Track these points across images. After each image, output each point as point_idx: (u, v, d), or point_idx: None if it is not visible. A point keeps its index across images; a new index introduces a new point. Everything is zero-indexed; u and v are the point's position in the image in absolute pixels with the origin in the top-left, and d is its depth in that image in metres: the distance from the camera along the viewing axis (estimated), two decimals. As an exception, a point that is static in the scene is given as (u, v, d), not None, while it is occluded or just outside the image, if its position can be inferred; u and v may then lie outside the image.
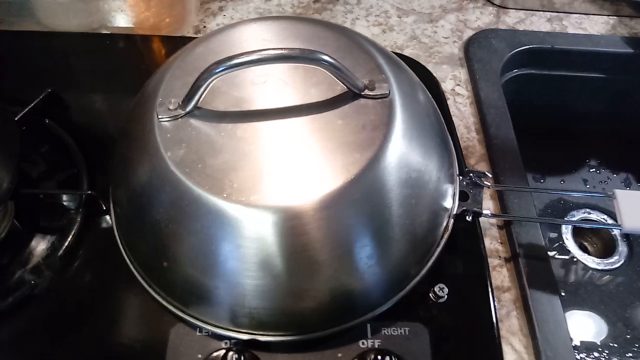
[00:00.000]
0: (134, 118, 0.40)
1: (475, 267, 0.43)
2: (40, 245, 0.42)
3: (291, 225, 0.34)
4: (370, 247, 0.36)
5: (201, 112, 0.37)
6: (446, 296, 0.40)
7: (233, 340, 0.37)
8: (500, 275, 0.44)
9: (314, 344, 0.37)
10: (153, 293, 0.39)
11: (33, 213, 0.43)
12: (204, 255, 0.35)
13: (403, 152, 0.37)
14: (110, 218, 0.43)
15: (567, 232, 0.65)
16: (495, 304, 0.41)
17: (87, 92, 0.53)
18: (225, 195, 0.33)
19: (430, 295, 0.41)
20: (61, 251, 0.41)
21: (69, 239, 0.41)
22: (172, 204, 0.35)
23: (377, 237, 0.36)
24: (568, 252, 0.64)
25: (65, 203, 0.43)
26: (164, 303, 0.38)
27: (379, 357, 0.35)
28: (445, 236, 0.41)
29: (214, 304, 0.37)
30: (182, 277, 0.37)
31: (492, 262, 0.45)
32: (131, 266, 0.40)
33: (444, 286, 0.40)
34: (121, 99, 0.51)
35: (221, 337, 0.37)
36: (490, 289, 0.42)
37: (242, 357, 0.34)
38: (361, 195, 0.35)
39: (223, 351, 0.35)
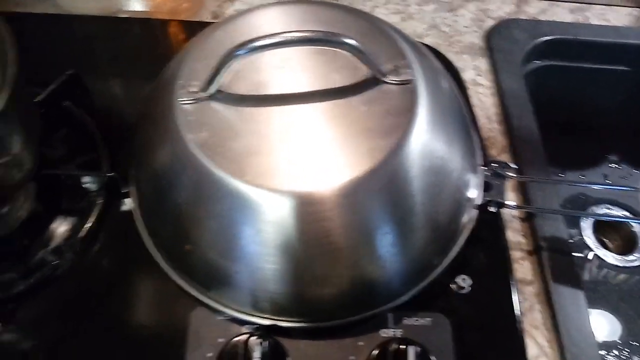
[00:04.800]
0: (154, 101, 0.40)
1: (497, 259, 0.42)
2: (61, 227, 0.42)
3: (311, 211, 0.33)
4: (392, 235, 0.35)
5: (222, 96, 0.37)
6: (468, 287, 0.40)
7: (254, 326, 0.37)
8: (523, 268, 0.43)
9: (335, 332, 0.37)
10: (173, 276, 0.38)
11: (54, 195, 0.43)
12: (225, 238, 0.35)
13: (427, 139, 0.36)
14: (131, 201, 0.42)
15: (586, 228, 0.64)
16: (518, 297, 0.41)
17: (106, 75, 0.53)
18: (246, 179, 0.33)
19: (452, 286, 0.40)
20: (82, 233, 0.41)
21: (90, 221, 0.41)
22: (193, 186, 0.35)
23: (400, 226, 0.35)
24: (588, 248, 0.62)
25: (86, 185, 0.42)
26: (185, 286, 0.38)
27: (402, 346, 0.34)
28: (469, 227, 0.41)
29: (235, 288, 0.36)
30: (203, 261, 0.36)
31: (515, 254, 0.44)
32: (151, 249, 0.40)
33: (467, 277, 0.40)
34: (139, 83, 0.51)
35: (242, 322, 0.37)
36: (512, 282, 0.41)
37: (265, 343, 0.34)
38: (385, 183, 0.34)
39: (245, 336, 0.34)
